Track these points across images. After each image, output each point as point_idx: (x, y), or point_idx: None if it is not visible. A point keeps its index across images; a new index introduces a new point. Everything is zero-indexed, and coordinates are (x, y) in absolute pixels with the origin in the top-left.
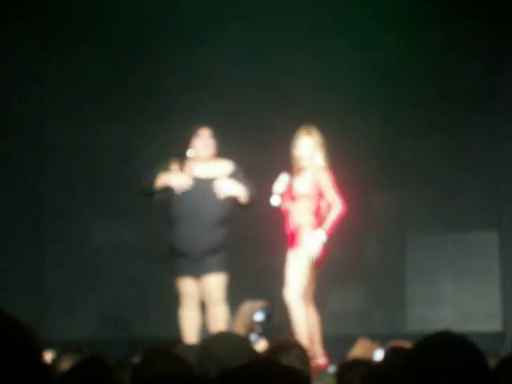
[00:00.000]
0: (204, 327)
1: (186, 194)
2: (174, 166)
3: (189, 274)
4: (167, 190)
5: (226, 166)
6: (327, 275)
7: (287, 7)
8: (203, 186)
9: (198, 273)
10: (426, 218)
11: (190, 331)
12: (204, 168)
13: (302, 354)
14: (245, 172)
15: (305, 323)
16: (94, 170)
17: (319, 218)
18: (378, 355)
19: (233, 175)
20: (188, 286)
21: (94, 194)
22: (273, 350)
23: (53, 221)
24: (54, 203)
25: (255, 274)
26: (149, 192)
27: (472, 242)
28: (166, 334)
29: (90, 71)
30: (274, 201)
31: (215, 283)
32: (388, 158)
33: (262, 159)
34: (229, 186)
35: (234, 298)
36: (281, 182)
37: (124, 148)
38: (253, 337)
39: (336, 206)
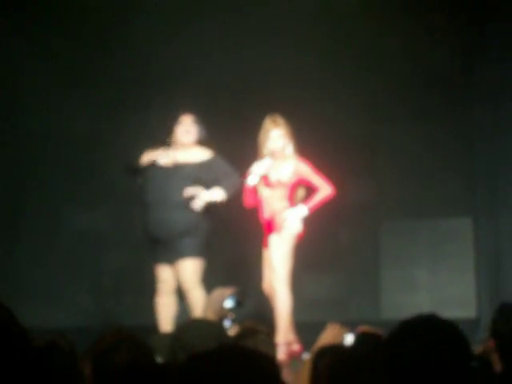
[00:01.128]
0: (184, 314)
1: (157, 179)
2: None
3: (163, 260)
4: (149, 169)
5: (204, 153)
6: (301, 261)
7: None
8: (174, 172)
9: (171, 258)
10: (400, 205)
11: (165, 318)
12: (182, 154)
13: (268, 338)
14: (226, 159)
15: (289, 309)
16: (68, 158)
17: (294, 205)
18: (349, 340)
19: (210, 162)
20: (162, 273)
21: (69, 182)
22: (239, 336)
23: (27, 209)
24: (28, 191)
25: (226, 262)
26: (133, 168)
27: (447, 228)
28: (143, 322)
29: (64, 58)
30: (251, 180)
31: (188, 268)
32: (362, 145)
33: (239, 146)
34: (205, 197)
35: (206, 285)
36: (263, 165)
37: (98, 136)
38: (226, 323)
39: (325, 188)
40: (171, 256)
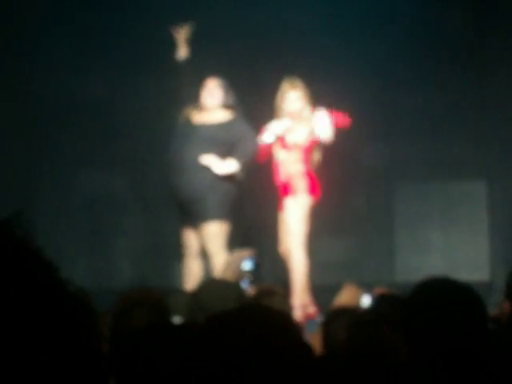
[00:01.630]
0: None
1: (176, 141)
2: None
3: (186, 224)
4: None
5: (225, 114)
6: (315, 225)
7: None
8: (192, 133)
9: (193, 222)
10: (414, 168)
11: (189, 282)
12: (205, 116)
13: (284, 300)
14: (248, 121)
15: (305, 271)
16: (83, 121)
17: (310, 167)
18: (365, 301)
19: (229, 124)
20: (185, 237)
21: (83, 145)
22: (255, 297)
23: (42, 173)
24: (43, 154)
25: (244, 224)
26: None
27: (460, 191)
28: (160, 285)
29: (79, 21)
30: (267, 138)
31: (210, 232)
32: (376, 109)
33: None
34: (217, 170)
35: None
36: (281, 125)
37: (113, 98)
38: (244, 284)
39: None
40: (193, 219)
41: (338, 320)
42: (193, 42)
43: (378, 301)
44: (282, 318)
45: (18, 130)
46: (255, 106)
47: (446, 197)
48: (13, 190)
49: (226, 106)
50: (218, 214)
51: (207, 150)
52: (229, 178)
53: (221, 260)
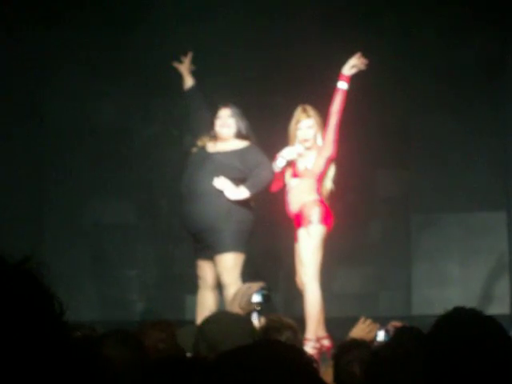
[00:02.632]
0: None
1: (190, 168)
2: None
3: (200, 256)
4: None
5: (240, 143)
6: (331, 256)
7: None
8: (206, 160)
9: (208, 253)
10: (432, 198)
11: (201, 315)
12: (219, 145)
13: (294, 333)
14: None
15: (319, 303)
16: (93, 148)
17: (321, 196)
18: (381, 336)
19: (244, 151)
20: (199, 269)
21: (94, 173)
22: (263, 331)
23: (51, 200)
24: (53, 182)
25: (258, 256)
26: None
27: (480, 222)
28: (167, 316)
29: (90, 45)
30: (279, 162)
31: (225, 264)
32: (394, 137)
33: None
34: (229, 195)
35: None
36: (293, 150)
37: (124, 125)
38: (253, 317)
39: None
40: (208, 250)
41: (349, 353)
42: (204, 71)
43: (397, 334)
44: (296, 356)
45: (28, 155)
46: (268, 133)
47: (465, 228)
48: (22, 215)
49: (240, 135)
50: (234, 245)
51: (215, 176)
52: (244, 207)
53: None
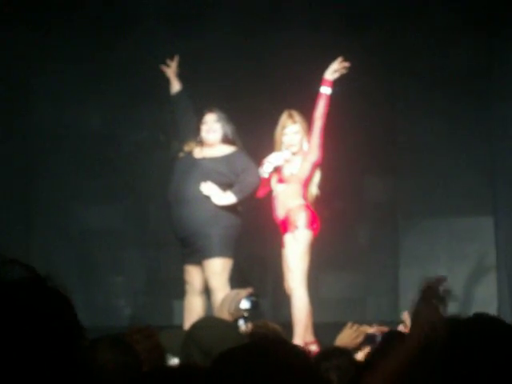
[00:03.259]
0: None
1: (177, 175)
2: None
3: (187, 261)
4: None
5: (227, 148)
6: (319, 261)
7: None
8: (193, 167)
9: (196, 258)
10: (419, 203)
11: (188, 320)
12: (206, 151)
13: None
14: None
15: (306, 309)
16: (81, 154)
17: (307, 201)
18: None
19: (230, 156)
20: (186, 274)
21: (81, 179)
22: (250, 337)
23: (39, 205)
24: (40, 187)
25: (245, 262)
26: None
27: (467, 227)
28: (156, 322)
29: (78, 52)
30: (266, 168)
31: (213, 269)
32: (381, 143)
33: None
34: (215, 200)
35: None
36: (279, 156)
37: (111, 131)
38: (240, 322)
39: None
40: (196, 255)
41: (328, 361)
42: (191, 76)
43: (386, 339)
44: (298, 354)
45: (14, 163)
46: (253, 138)
47: (452, 233)
48: (9, 221)
49: (226, 140)
50: (222, 250)
51: (201, 181)
52: (231, 212)
53: (218, 299)
